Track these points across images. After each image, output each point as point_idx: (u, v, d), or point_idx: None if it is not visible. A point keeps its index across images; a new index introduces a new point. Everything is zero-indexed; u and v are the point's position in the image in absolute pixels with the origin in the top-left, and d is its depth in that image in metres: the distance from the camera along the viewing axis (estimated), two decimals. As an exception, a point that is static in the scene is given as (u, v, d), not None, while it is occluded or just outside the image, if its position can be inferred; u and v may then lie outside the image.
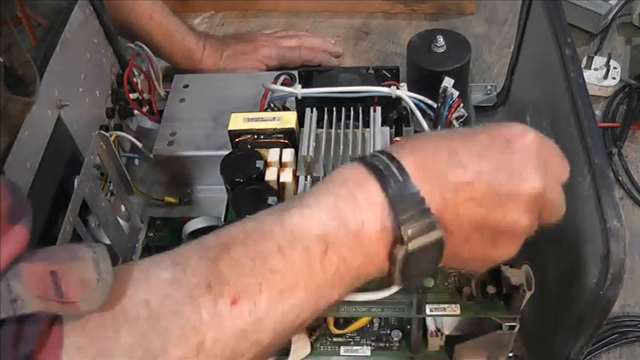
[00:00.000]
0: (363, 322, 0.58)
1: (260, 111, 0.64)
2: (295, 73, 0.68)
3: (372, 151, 0.56)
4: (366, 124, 0.60)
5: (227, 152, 0.58)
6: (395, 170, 0.37)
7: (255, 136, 0.59)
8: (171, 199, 0.72)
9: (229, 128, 0.59)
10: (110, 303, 0.33)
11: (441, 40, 0.69)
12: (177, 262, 0.36)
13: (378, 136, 0.58)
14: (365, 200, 0.37)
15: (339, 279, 0.37)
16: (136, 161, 0.74)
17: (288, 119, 0.59)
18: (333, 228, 0.36)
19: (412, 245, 0.36)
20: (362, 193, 0.37)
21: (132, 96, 0.74)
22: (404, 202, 0.37)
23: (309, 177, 0.56)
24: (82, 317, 0.32)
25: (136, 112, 0.76)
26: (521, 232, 0.39)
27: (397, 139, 0.61)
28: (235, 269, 0.35)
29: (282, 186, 0.56)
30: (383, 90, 0.61)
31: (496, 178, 0.38)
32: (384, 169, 0.37)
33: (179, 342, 0.33)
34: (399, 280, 0.38)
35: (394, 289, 0.41)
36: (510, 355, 0.56)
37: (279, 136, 0.59)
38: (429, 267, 0.39)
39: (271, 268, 0.36)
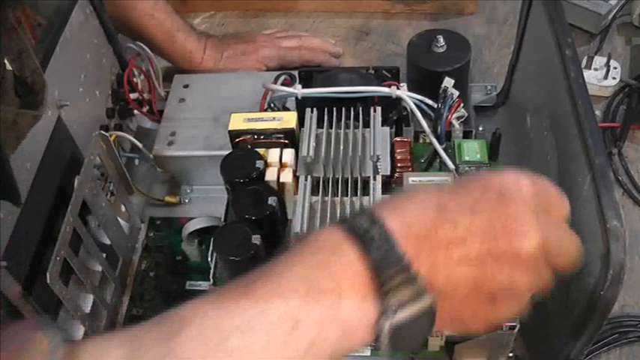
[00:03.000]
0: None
1: (260, 111, 0.64)
2: (295, 73, 0.68)
3: (372, 151, 0.56)
4: (366, 125, 0.60)
5: (227, 152, 0.58)
6: (376, 233, 0.34)
7: (255, 137, 0.59)
8: (171, 199, 0.72)
9: (229, 128, 0.59)
10: None
11: (441, 40, 0.69)
12: (133, 338, 0.33)
13: (378, 136, 0.58)
14: (340, 268, 0.34)
15: (316, 354, 0.33)
16: (136, 161, 0.74)
17: (288, 119, 0.59)
18: (304, 300, 0.33)
19: (399, 317, 0.33)
20: (337, 260, 0.34)
21: (132, 96, 0.74)
22: (387, 268, 0.33)
23: (309, 177, 0.56)
24: None
25: (135, 112, 0.76)
26: (522, 291, 0.36)
27: (397, 139, 0.61)
28: (191, 347, 0.32)
29: (282, 186, 0.56)
30: (383, 90, 0.61)
31: (490, 234, 0.35)
32: (363, 232, 0.34)
33: None
34: (387, 351, 0.34)
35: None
36: (510, 355, 0.56)
37: (279, 136, 0.59)
38: (421, 336, 0.36)
39: (231, 347, 0.32)
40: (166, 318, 0.34)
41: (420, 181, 0.57)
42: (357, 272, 0.34)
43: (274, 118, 0.60)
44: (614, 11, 0.87)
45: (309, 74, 0.66)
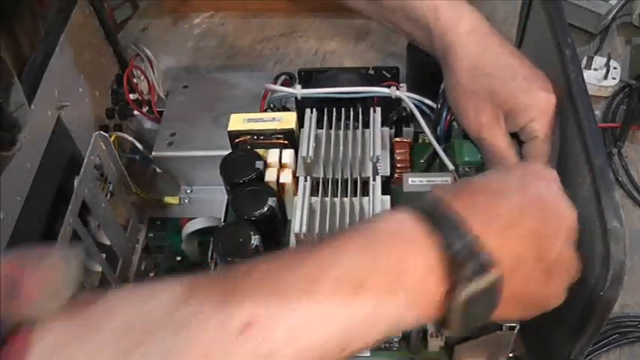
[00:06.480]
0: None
1: (260, 111, 0.64)
2: (295, 73, 0.68)
3: (371, 151, 0.56)
4: (366, 125, 0.60)
5: (227, 152, 0.58)
6: (441, 212, 0.35)
7: (255, 137, 0.59)
8: (172, 199, 0.72)
9: (229, 129, 0.59)
10: (107, 314, 0.31)
11: (440, 40, 0.68)
12: (194, 278, 0.33)
13: (378, 136, 0.58)
14: (407, 241, 0.34)
15: (376, 322, 0.33)
16: (136, 161, 0.74)
17: (287, 120, 0.59)
18: (369, 267, 0.33)
19: (471, 289, 0.33)
20: (403, 234, 0.34)
21: (132, 96, 0.74)
22: (455, 242, 0.34)
23: (308, 177, 0.56)
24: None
25: (135, 112, 0.76)
26: (570, 264, 0.39)
27: (397, 139, 0.61)
28: (255, 292, 0.32)
29: (281, 187, 0.56)
30: (383, 90, 0.61)
31: (541, 210, 0.37)
32: (429, 211, 0.35)
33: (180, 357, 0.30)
34: (456, 327, 0.35)
35: None
36: (510, 355, 0.56)
37: (278, 136, 0.59)
38: (487, 313, 0.36)
39: (294, 301, 0.32)
40: (229, 268, 0.34)
41: (419, 181, 0.57)
42: (424, 245, 0.34)
43: (274, 118, 0.60)
44: (614, 11, 0.86)
45: (309, 74, 0.66)
